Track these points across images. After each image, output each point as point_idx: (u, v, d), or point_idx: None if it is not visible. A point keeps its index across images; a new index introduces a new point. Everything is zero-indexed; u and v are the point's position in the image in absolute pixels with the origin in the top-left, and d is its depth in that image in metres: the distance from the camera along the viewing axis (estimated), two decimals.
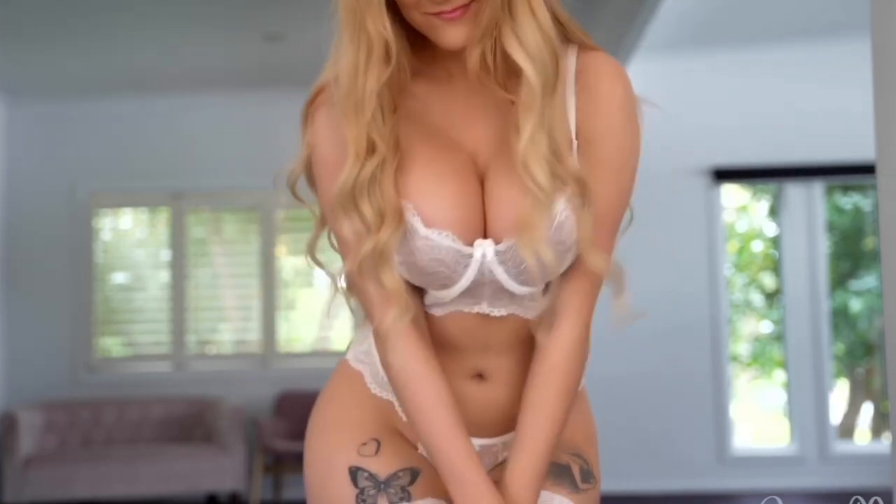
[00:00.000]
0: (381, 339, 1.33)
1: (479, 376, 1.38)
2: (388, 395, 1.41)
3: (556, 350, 1.33)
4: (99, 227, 6.69)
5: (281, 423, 6.03)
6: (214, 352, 6.73)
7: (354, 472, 1.35)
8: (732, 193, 6.78)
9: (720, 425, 6.25)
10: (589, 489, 1.41)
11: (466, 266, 1.30)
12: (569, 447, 1.43)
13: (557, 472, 1.39)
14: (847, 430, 6.87)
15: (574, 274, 1.34)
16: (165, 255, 6.67)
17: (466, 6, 1.26)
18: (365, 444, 1.38)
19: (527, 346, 1.37)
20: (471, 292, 1.33)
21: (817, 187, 6.36)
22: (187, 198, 6.59)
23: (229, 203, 6.72)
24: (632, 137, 1.39)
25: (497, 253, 1.30)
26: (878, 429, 6.91)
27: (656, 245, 6.24)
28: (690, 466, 6.19)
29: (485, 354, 1.37)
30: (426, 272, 1.30)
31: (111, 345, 6.75)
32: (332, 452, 1.39)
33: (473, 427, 1.38)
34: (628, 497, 5.85)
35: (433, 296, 1.34)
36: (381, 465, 1.36)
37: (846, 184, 6.68)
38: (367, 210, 1.27)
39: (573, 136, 1.33)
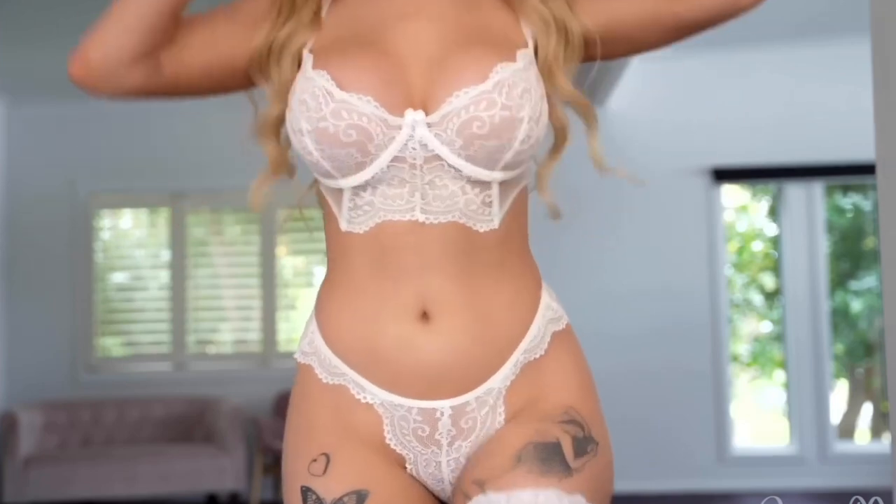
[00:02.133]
0: None
1: (424, 316, 1.22)
2: (338, 380, 1.27)
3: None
4: (99, 227, 6.69)
5: (281, 423, 6.03)
6: (214, 352, 6.73)
7: (305, 493, 1.26)
8: (732, 193, 6.78)
9: (720, 425, 6.25)
10: (586, 462, 1.22)
11: (392, 138, 1.17)
12: (558, 409, 1.26)
13: (544, 456, 1.21)
14: (847, 430, 6.87)
15: None
16: (165, 255, 6.67)
17: None
18: (315, 460, 1.26)
19: (479, 274, 1.23)
20: (399, 181, 1.19)
21: (817, 187, 6.36)
22: (187, 198, 6.59)
23: (229, 203, 6.71)
24: None
25: (431, 124, 1.17)
26: (878, 429, 6.91)
27: (656, 245, 6.24)
28: (690, 466, 6.19)
29: (426, 278, 1.21)
30: (340, 142, 1.16)
31: (111, 345, 6.75)
32: (289, 468, 1.30)
33: (428, 385, 1.23)
34: (628, 497, 5.85)
35: (347, 193, 1.22)
36: (329, 486, 1.24)
37: (846, 184, 6.68)
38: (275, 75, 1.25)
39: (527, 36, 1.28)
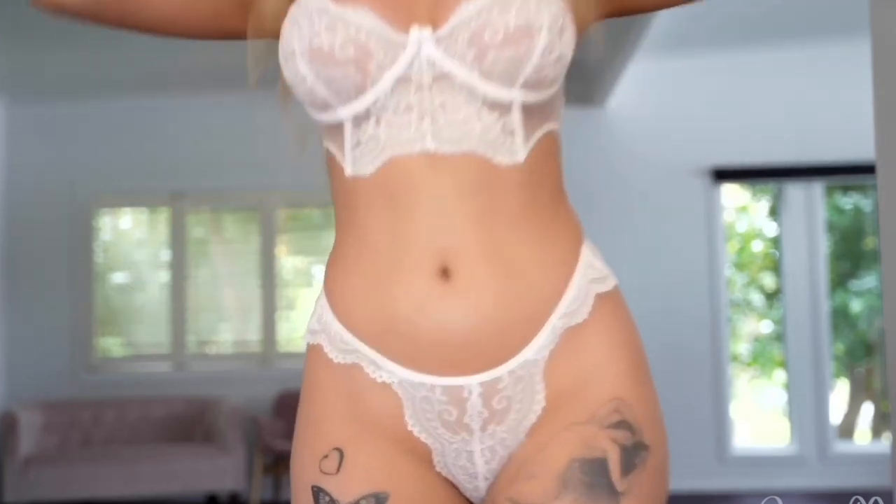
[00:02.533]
0: None
1: (444, 273, 1.06)
2: (351, 357, 1.11)
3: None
4: (99, 227, 6.69)
5: (281, 423, 6.03)
6: (214, 352, 6.73)
7: (317, 493, 1.13)
8: (732, 193, 6.78)
9: (720, 425, 6.25)
10: (634, 477, 1.08)
11: (396, 57, 1.03)
12: (605, 406, 1.10)
13: (590, 479, 1.06)
14: (847, 430, 6.87)
15: None
16: (165, 255, 6.67)
17: None
18: (326, 456, 1.12)
19: (502, 219, 1.07)
20: (405, 107, 1.04)
21: (817, 187, 6.36)
22: (187, 198, 6.59)
23: (229, 203, 6.71)
24: None
25: (439, 39, 1.03)
26: (878, 429, 6.91)
27: (656, 244, 6.24)
28: (690, 466, 6.19)
29: (443, 223, 1.05)
30: (335, 60, 1.03)
31: (111, 345, 6.75)
32: (297, 466, 1.18)
33: (453, 357, 1.07)
34: None
35: (349, 125, 1.07)
36: (343, 486, 1.11)
37: (846, 184, 6.68)
38: None
39: None
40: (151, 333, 6.66)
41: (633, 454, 1.09)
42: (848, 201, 7.00)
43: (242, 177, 6.52)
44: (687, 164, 6.29)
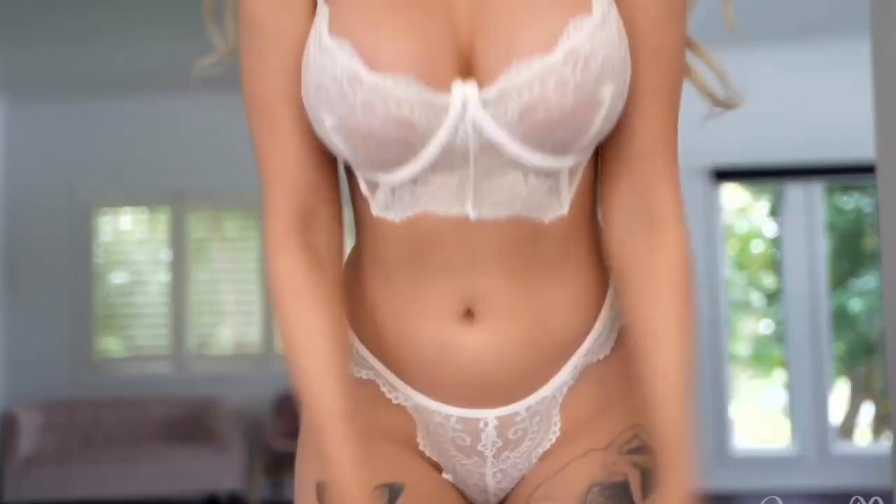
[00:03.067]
0: (267, 244, 1.01)
1: (468, 314, 1.01)
2: (365, 373, 1.09)
3: (662, 268, 0.99)
4: (99, 227, 6.69)
5: (281, 423, 6.03)
6: (214, 352, 6.73)
7: (321, 489, 1.07)
8: (732, 193, 6.78)
9: (720, 425, 6.25)
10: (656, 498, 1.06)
11: (439, 123, 0.91)
12: (624, 433, 1.08)
13: (611, 502, 1.04)
14: (847, 430, 6.86)
15: (654, 147, 1.00)
16: (165, 255, 6.66)
17: None
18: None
19: (541, 268, 1.01)
20: (446, 168, 0.94)
21: (817, 187, 6.36)
22: (187, 198, 6.59)
23: (229, 203, 6.71)
24: (681, 27, 1.06)
25: (486, 101, 0.91)
26: (878, 429, 6.91)
27: None
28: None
29: (474, 277, 1.00)
30: (378, 140, 0.91)
31: (111, 345, 6.75)
32: (303, 469, 1.13)
33: (471, 392, 1.04)
34: None
35: (385, 185, 0.97)
36: None
37: (846, 184, 6.68)
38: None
39: None
40: (151, 333, 6.66)
41: (653, 475, 1.06)
42: (848, 201, 6.99)
43: (242, 177, 6.49)
44: (687, 164, 6.24)
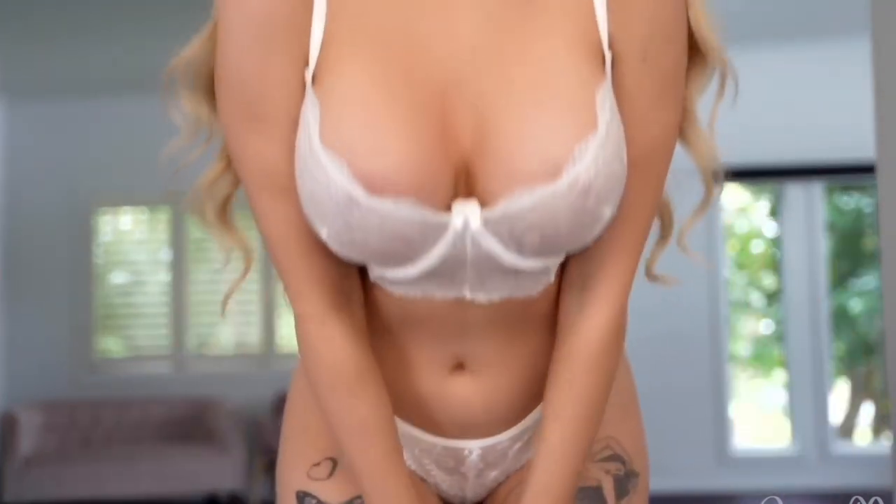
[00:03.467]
0: (299, 323, 1.00)
1: (458, 366, 1.04)
2: None
3: (588, 337, 0.99)
4: (99, 227, 6.69)
5: (281, 423, 6.03)
6: (214, 352, 6.73)
7: (302, 499, 1.10)
8: (732, 193, 6.78)
9: (720, 425, 6.25)
10: (628, 500, 1.12)
11: (438, 238, 0.89)
12: (598, 443, 1.12)
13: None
14: (847, 430, 6.86)
15: (613, 226, 0.96)
16: (165, 255, 6.67)
17: None
18: (317, 464, 1.11)
19: (528, 329, 1.04)
20: (444, 272, 0.93)
21: (817, 187, 6.36)
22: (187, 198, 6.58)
23: None
24: (681, 48, 0.98)
25: (487, 221, 0.89)
26: (878, 429, 6.91)
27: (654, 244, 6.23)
28: (690, 466, 6.19)
29: (463, 338, 1.01)
30: (374, 252, 0.90)
31: (111, 345, 6.75)
32: (284, 471, 1.17)
33: (459, 428, 1.08)
34: None
35: (383, 273, 0.95)
36: (334, 492, 1.08)
37: (846, 184, 6.68)
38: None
39: (605, 46, 0.92)
40: (151, 333, 6.66)
41: (625, 481, 1.11)
42: (848, 201, 6.99)
43: None
44: (687, 164, 6.26)
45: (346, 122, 0.86)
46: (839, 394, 6.82)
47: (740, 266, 6.99)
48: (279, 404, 6.19)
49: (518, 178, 0.87)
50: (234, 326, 6.75)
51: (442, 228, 0.89)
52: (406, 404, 1.07)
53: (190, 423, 6.12)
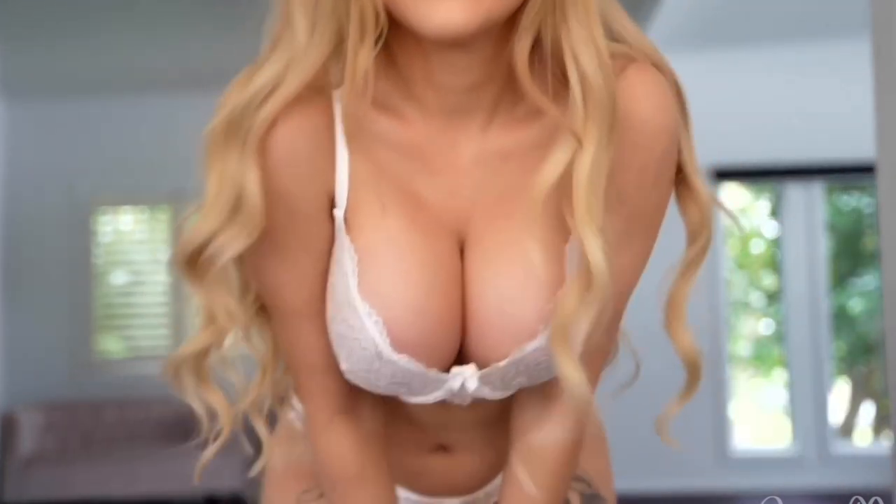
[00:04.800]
0: (307, 419, 1.05)
1: (440, 447, 1.11)
2: None
3: (548, 443, 1.03)
4: (99, 227, 6.69)
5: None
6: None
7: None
8: (732, 193, 6.78)
9: (719, 425, 6.25)
10: None
11: (437, 388, 0.98)
12: None
13: None
14: (847, 430, 6.86)
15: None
16: (165, 254, 6.66)
17: None
18: (307, 490, 1.13)
19: (495, 414, 1.08)
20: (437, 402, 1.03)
21: (817, 187, 6.36)
22: (187, 198, 6.58)
23: None
24: (665, 191, 1.03)
25: (483, 377, 0.97)
26: (878, 429, 6.91)
27: (655, 245, 6.23)
28: (689, 466, 6.19)
29: (445, 429, 1.09)
30: (380, 389, 0.98)
31: (111, 345, 6.75)
32: (273, 496, 1.18)
33: (444, 490, 1.15)
34: (626, 497, 5.84)
35: None
36: None
37: (846, 184, 6.68)
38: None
39: None
40: (151, 333, 6.66)
41: (592, 500, 1.15)
42: (848, 201, 6.99)
43: None
44: None
45: (384, 280, 0.93)
46: (839, 394, 6.82)
47: (740, 266, 6.99)
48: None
49: (505, 344, 0.94)
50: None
51: (441, 382, 0.97)
52: (393, 472, 1.12)
53: (190, 423, 6.11)
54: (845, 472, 6.11)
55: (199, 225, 0.96)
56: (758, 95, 6.29)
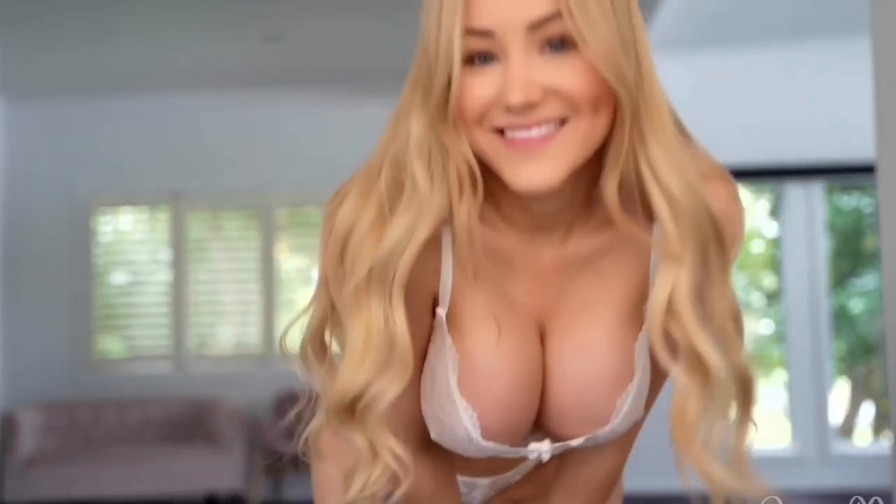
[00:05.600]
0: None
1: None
2: None
3: (599, 470, 1.19)
4: (99, 227, 6.69)
5: (281, 423, 6.03)
6: (214, 352, 6.73)
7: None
8: None
9: None
10: None
11: (515, 461, 1.18)
12: None
13: None
14: (847, 430, 6.86)
15: None
16: (165, 254, 6.67)
17: (559, 124, 0.93)
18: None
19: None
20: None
21: (817, 187, 6.36)
22: (187, 198, 6.59)
23: (229, 203, 6.71)
24: (725, 298, 1.18)
25: (555, 450, 1.13)
26: (878, 429, 6.90)
27: None
28: (690, 466, 6.18)
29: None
30: (463, 457, 1.13)
31: (111, 345, 6.75)
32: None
33: (478, 472, 1.28)
34: (627, 497, 5.84)
35: None
36: None
37: (846, 184, 6.68)
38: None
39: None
40: (151, 333, 6.66)
41: None
42: (848, 201, 6.99)
43: (242, 177, 6.52)
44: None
45: (482, 382, 1.05)
46: (839, 394, 6.82)
47: (740, 266, 6.99)
48: (279, 404, 6.19)
49: (579, 431, 1.09)
50: (233, 326, 6.75)
51: (518, 453, 1.12)
52: None
53: (190, 423, 6.13)
54: (845, 472, 6.11)
55: (352, 375, 0.99)
56: (758, 95, 6.29)
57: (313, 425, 1.10)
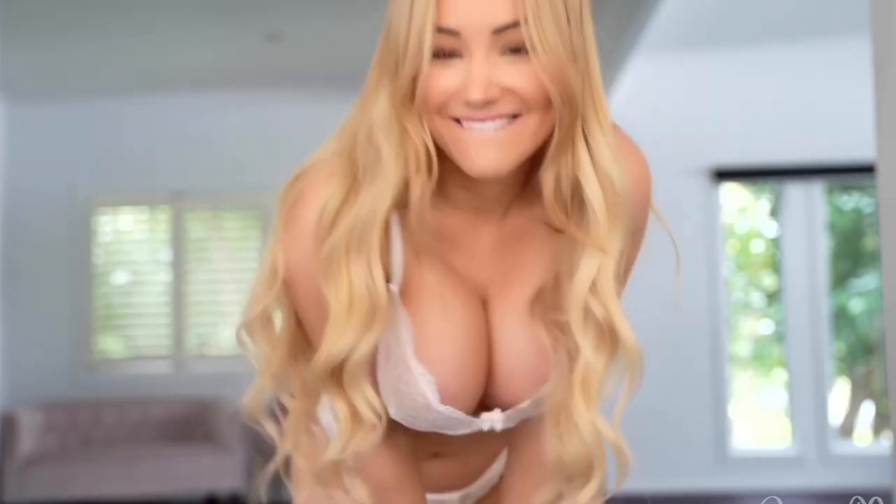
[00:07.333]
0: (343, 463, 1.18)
1: (435, 455, 1.30)
2: None
3: (545, 443, 1.19)
4: (99, 227, 6.69)
5: (280, 423, 6.03)
6: (214, 352, 6.73)
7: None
8: (732, 193, 6.78)
9: (719, 425, 6.25)
10: None
11: (465, 427, 1.19)
12: None
13: None
14: (847, 430, 6.86)
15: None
16: (165, 254, 6.67)
17: (511, 118, 1.03)
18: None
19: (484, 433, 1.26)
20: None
21: (817, 187, 6.36)
22: (187, 198, 6.59)
23: (229, 203, 6.71)
24: (637, 250, 1.29)
25: (507, 417, 1.19)
26: (878, 429, 6.91)
27: (655, 245, 6.22)
28: (689, 466, 6.19)
29: (442, 444, 1.27)
30: (419, 428, 1.18)
31: (111, 345, 6.75)
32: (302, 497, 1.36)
33: (442, 487, 1.34)
34: (626, 497, 5.84)
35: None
36: None
37: (846, 184, 6.68)
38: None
39: None
40: (151, 333, 6.66)
41: None
42: (848, 201, 6.99)
43: (242, 177, 6.52)
44: (687, 164, 6.29)
45: (435, 348, 1.12)
46: (839, 394, 6.82)
47: (740, 266, 6.99)
48: (279, 404, 6.19)
49: (526, 389, 1.16)
50: (233, 326, 6.73)
51: (473, 423, 1.17)
52: None
53: (190, 423, 6.13)
54: (845, 472, 6.11)
55: (338, 339, 1.08)
56: (758, 95, 6.29)
57: (252, 393, 1.29)
